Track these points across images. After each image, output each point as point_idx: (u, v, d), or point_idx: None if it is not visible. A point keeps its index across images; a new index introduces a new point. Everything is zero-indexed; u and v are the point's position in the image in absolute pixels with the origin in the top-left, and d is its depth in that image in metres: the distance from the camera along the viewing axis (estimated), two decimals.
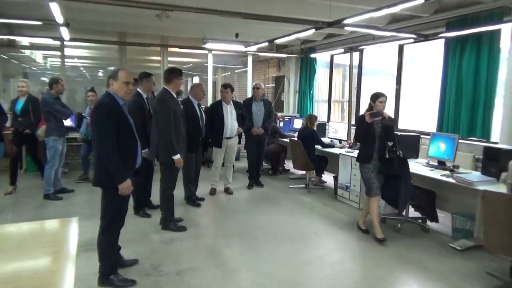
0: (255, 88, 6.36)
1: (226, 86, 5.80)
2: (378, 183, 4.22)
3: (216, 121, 5.63)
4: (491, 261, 3.67)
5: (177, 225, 4.36)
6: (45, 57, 12.30)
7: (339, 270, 3.48)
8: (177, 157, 4.13)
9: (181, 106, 4.47)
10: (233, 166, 6.27)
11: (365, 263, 3.68)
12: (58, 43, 7.48)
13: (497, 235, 3.04)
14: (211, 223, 4.77)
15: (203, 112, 5.35)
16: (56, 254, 2.02)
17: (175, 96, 4.30)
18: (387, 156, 4.11)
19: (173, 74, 4.28)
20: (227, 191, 6.01)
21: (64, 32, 5.95)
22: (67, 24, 6.00)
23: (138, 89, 4.66)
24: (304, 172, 6.71)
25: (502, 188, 3.56)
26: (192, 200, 5.35)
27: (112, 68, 8.48)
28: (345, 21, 4.59)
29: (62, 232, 2.55)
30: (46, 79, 9.22)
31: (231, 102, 5.79)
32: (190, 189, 5.35)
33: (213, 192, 5.91)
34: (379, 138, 4.19)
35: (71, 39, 7.02)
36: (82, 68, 15.61)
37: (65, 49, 7.95)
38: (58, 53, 7.88)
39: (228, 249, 3.90)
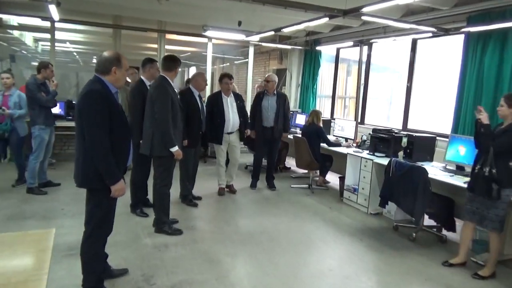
0: (266, 81, 5.77)
1: (231, 77, 5.31)
2: None
3: (215, 114, 5.15)
4: None
5: (172, 228, 3.95)
6: (36, 40, 11.71)
7: (353, 287, 3.12)
8: (175, 148, 3.74)
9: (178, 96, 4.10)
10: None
11: (381, 279, 3.31)
12: (48, 24, 6.97)
13: None
14: (209, 225, 4.35)
15: (203, 104, 4.96)
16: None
17: (172, 84, 3.91)
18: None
19: (175, 62, 3.93)
20: (230, 189, 5.60)
21: (53, 11, 5.45)
22: (57, 3, 5.53)
23: (141, 76, 4.34)
24: (306, 170, 6.34)
25: None
26: (189, 199, 4.94)
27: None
28: (363, 10, 4.17)
29: (38, 245, 2.14)
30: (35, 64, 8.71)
31: (231, 94, 5.32)
32: (187, 188, 4.93)
33: (222, 192, 5.48)
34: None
35: (61, 20, 6.51)
36: (75, 54, 15.03)
37: (57, 32, 7.44)
38: (49, 35, 7.36)
39: (228, 257, 3.51)
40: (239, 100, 5.42)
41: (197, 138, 4.76)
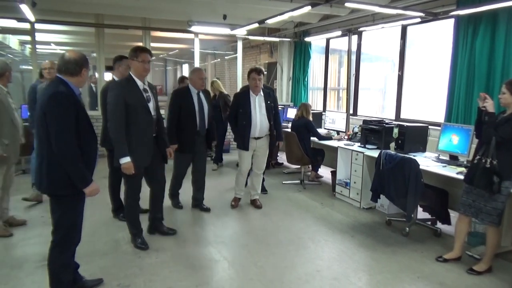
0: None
1: (260, 72, 4.45)
2: None
3: (241, 115, 4.45)
4: None
5: (138, 241, 3.53)
6: (22, 43, 11.51)
7: None
8: (123, 160, 3.19)
9: (144, 94, 3.34)
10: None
11: (371, 278, 3.14)
12: (27, 25, 6.77)
13: None
14: (193, 228, 4.17)
15: (204, 103, 4.39)
16: None
17: (137, 80, 3.31)
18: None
19: (135, 52, 3.31)
20: (254, 204, 4.83)
21: (27, 12, 5.25)
22: (32, 3, 5.34)
23: (113, 76, 4.06)
24: (298, 166, 6.17)
25: None
26: (176, 201, 4.76)
27: (95, 55, 7.81)
28: None
29: None
30: (27, 67, 8.35)
31: (261, 93, 4.51)
32: (176, 188, 4.70)
33: (235, 203, 4.79)
34: None
35: (40, 20, 6.32)
36: None
37: (39, 34, 7.27)
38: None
39: (211, 262, 3.34)
40: (270, 100, 4.56)
41: (190, 142, 4.29)
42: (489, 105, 3.02)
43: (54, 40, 10.57)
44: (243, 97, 4.48)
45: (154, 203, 3.81)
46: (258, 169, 4.77)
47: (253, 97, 4.45)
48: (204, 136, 4.46)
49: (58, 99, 2.33)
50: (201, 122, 4.33)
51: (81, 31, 9.01)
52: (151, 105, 3.37)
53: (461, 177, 3.40)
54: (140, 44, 8.17)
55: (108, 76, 6.74)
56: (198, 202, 4.67)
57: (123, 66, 3.95)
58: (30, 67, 5.54)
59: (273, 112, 4.59)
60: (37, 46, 7.44)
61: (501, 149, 2.93)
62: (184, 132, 4.24)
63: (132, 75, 3.31)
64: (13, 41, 10.51)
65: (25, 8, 4.97)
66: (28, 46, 11.81)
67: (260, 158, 4.68)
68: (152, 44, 8.07)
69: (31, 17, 5.70)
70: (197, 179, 4.61)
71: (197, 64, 8.48)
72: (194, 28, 7.24)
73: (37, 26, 6.99)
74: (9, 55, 11.63)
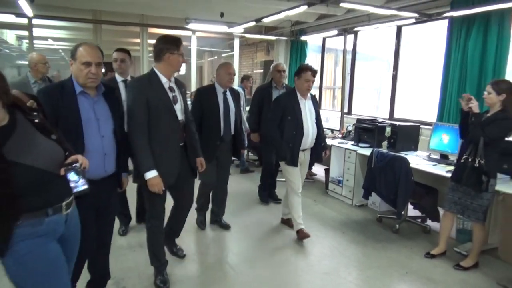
0: (278, 70, 4.73)
1: (316, 73, 3.74)
2: None
3: (289, 124, 3.67)
4: (505, 269, 3.23)
5: (160, 280, 2.89)
6: (19, 38, 11.50)
7: (331, 283, 3.02)
8: (150, 174, 2.57)
9: (169, 93, 2.68)
10: None
11: (361, 273, 3.22)
12: (25, 21, 6.78)
13: None
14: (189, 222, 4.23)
15: (231, 104, 3.74)
16: None
17: (161, 76, 2.66)
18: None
19: (165, 44, 2.67)
20: (289, 223, 4.11)
21: (25, 7, 5.28)
22: None
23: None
24: None
25: None
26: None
27: None
28: None
29: None
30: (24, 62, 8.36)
31: (309, 96, 3.87)
32: (203, 203, 4.00)
33: (303, 235, 3.74)
34: None
35: (37, 16, 6.33)
36: (61, 51, 14.80)
37: (36, 29, 7.28)
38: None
39: (202, 256, 3.42)
40: (316, 105, 3.95)
41: (212, 149, 3.61)
42: (475, 106, 3.10)
43: (52, 35, 10.56)
44: (290, 101, 3.70)
45: (175, 216, 3.13)
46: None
47: (302, 102, 3.74)
48: (230, 142, 3.83)
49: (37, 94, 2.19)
50: (226, 127, 3.69)
51: (78, 27, 9.01)
52: (178, 107, 2.71)
53: (450, 175, 3.49)
54: (138, 40, 8.24)
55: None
56: (217, 218, 4.11)
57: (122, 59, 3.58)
58: (27, 62, 5.61)
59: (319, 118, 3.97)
60: (35, 41, 7.46)
61: (487, 149, 3.01)
62: (205, 137, 3.53)
63: (156, 71, 2.67)
64: (10, 36, 10.50)
65: (23, 3, 5.00)
66: (25, 41, 11.82)
67: (303, 173, 3.97)
68: (149, 41, 8.10)
69: (29, 13, 5.73)
70: (218, 192, 3.99)
71: (193, 61, 8.52)
72: (191, 26, 7.29)
73: (35, 21, 7.00)
74: (6, 50, 11.63)
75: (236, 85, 6.74)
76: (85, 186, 1.72)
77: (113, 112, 2.32)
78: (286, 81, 5.00)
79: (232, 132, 3.79)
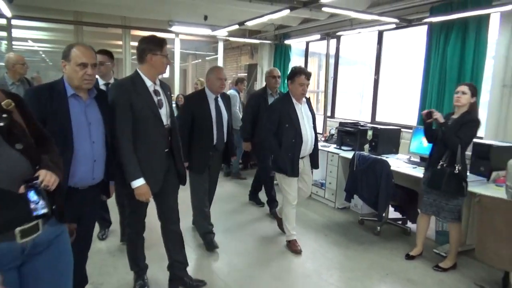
0: (273, 76, 4.51)
1: (310, 76, 3.52)
2: None
3: (287, 132, 3.45)
4: (481, 270, 3.30)
5: (140, 284, 2.86)
6: None
7: (313, 286, 3.03)
8: (138, 183, 2.44)
9: (154, 97, 2.53)
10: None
11: (342, 275, 3.24)
12: (3, 21, 6.64)
13: (493, 246, 2.66)
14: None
15: (223, 111, 3.54)
16: None
17: (146, 79, 2.51)
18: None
19: (148, 44, 2.52)
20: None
21: (4, 8, 5.17)
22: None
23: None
24: None
25: (494, 190, 3.22)
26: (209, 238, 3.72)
27: None
28: (323, 0, 4.09)
29: None
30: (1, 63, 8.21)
31: (305, 100, 3.67)
32: (198, 217, 3.70)
33: (295, 248, 3.61)
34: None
35: (16, 16, 6.21)
36: (41, 53, 14.54)
37: (15, 30, 7.14)
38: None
39: None
40: (311, 108, 3.74)
41: (205, 158, 3.45)
42: (439, 117, 3.19)
43: (32, 37, 10.37)
44: (284, 107, 3.47)
45: (170, 242, 2.87)
46: (304, 195, 3.91)
47: (298, 107, 3.52)
48: (222, 150, 3.66)
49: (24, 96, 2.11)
50: (219, 135, 3.48)
51: (59, 28, 8.88)
52: (163, 111, 2.56)
53: None
54: (120, 42, 8.15)
55: None
56: (204, 230, 3.77)
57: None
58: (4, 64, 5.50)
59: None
60: (14, 42, 7.31)
61: (462, 153, 3.10)
62: (197, 147, 3.39)
63: (140, 73, 2.51)
64: None
65: (1, 4, 4.89)
66: (4, 42, 11.56)
67: (307, 182, 3.82)
68: (132, 43, 8.02)
69: (8, 13, 5.61)
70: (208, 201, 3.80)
71: (177, 64, 8.48)
72: (174, 28, 7.24)
73: (14, 22, 6.87)
74: None
75: (226, 89, 6.68)
76: (45, 210, 1.37)
77: (104, 116, 2.23)
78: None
79: (225, 140, 3.61)
